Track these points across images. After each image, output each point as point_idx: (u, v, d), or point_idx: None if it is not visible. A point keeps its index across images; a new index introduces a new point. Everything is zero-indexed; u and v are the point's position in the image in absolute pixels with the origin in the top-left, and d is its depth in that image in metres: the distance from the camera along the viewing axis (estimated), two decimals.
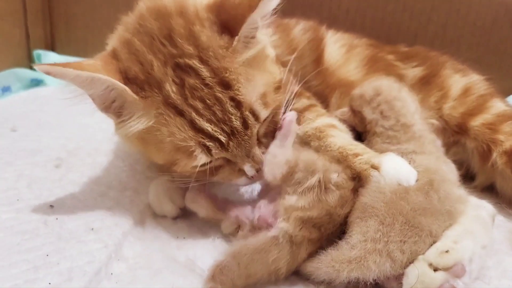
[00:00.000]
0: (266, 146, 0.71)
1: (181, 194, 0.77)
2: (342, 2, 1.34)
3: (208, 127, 0.63)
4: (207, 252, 0.69)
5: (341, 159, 0.74)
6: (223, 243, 0.71)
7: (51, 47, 1.52)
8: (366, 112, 0.81)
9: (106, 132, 1.06)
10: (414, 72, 1.04)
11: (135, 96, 0.63)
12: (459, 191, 0.71)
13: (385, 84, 0.82)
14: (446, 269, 0.58)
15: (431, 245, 0.62)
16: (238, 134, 0.64)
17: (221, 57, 0.63)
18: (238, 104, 0.63)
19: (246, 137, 0.65)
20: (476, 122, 0.93)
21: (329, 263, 0.60)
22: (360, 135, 0.86)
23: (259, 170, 0.68)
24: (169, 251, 0.69)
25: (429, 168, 0.70)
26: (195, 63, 0.63)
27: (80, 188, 0.81)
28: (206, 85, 0.63)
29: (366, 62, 1.04)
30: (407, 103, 0.80)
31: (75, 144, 0.99)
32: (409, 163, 0.71)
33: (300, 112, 0.85)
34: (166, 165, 0.68)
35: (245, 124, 0.64)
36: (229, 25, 0.65)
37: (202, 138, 0.63)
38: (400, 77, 1.02)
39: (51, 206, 0.75)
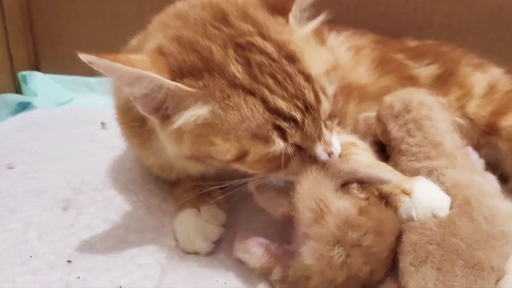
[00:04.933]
0: (330, 130, 0.66)
1: (213, 228, 0.72)
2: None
3: (283, 104, 0.58)
4: None
5: (367, 180, 0.69)
6: (266, 284, 0.65)
7: (36, 67, 1.43)
8: (391, 127, 0.77)
9: (111, 161, 1.00)
10: (428, 70, 1.00)
11: (190, 89, 0.57)
12: (506, 205, 0.65)
13: (416, 100, 0.77)
14: None
15: (496, 281, 0.56)
16: (311, 110, 0.60)
17: (280, 31, 0.61)
18: (308, 77, 0.60)
19: (318, 114, 0.61)
20: (508, 122, 0.90)
21: None
22: (382, 148, 0.81)
23: (330, 154, 0.64)
24: None
25: (459, 182, 0.66)
26: (257, 40, 0.59)
27: (95, 235, 0.74)
28: (273, 60, 0.59)
29: (377, 65, 1.00)
30: (437, 123, 0.75)
31: (79, 178, 0.91)
32: (438, 179, 0.67)
33: None
34: (232, 160, 0.61)
35: (317, 98, 0.60)
36: (278, 7, 0.62)
37: (277, 119, 0.58)
38: (413, 78, 0.99)
39: (69, 261, 0.67)
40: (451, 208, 0.62)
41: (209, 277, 0.67)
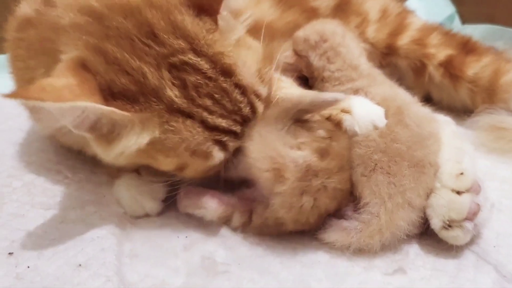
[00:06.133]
0: None
1: (159, 185, 0.69)
2: None
3: (222, 122, 0.58)
4: (219, 243, 0.63)
5: (313, 108, 0.70)
6: (228, 230, 0.66)
7: None
8: (312, 58, 0.80)
9: (16, 145, 0.89)
10: (325, 2, 1.04)
11: (126, 113, 0.54)
12: (425, 110, 0.73)
13: (329, 29, 0.80)
14: (467, 190, 0.60)
15: (434, 174, 0.63)
16: (249, 120, 0.61)
17: (213, 42, 0.57)
18: (243, 90, 0.59)
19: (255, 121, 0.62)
20: (404, 41, 0.97)
21: (363, 241, 0.59)
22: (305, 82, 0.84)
23: None
24: (178, 257, 0.61)
25: (386, 97, 0.71)
26: (191, 57, 0.56)
27: (30, 221, 0.67)
28: (210, 78, 0.57)
29: (278, 0, 1.01)
30: (351, 48, 0.80)
31: None
32: (366, 97, 0.72)
33: None
34: (173, 170, 0.61)
35: (253, 109, 0.61)
36: (204, 5, 0.57)
37: (217, 135, 0.58)
38: (314, 10, 1.01)
39: (10, 253, 0.60)
40: (386, 118, 0.67)
41: (168, 236, 0.65)
